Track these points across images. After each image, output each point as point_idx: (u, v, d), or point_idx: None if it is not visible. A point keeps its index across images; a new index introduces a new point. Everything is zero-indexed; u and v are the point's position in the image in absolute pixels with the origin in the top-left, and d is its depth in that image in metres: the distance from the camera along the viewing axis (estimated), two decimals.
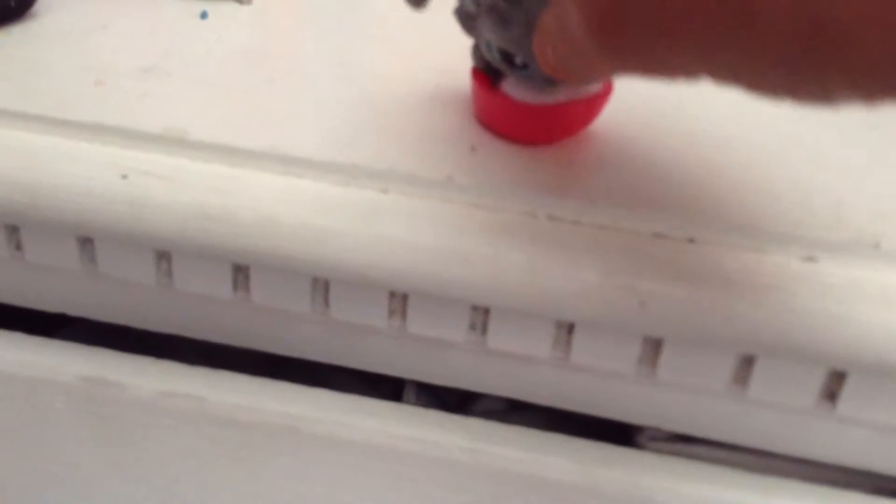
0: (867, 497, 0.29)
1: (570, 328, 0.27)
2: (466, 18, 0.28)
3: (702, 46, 0.16)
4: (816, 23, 0.14)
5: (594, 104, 0.28)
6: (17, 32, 0.33)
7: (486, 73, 0.28)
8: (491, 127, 0.29)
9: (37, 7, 0.35)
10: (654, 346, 0.27)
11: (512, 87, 0.28)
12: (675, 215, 0.25)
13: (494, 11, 0.25)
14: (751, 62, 0.16)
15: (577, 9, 0.19)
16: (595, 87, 0.28)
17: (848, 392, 0.26)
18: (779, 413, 0.27)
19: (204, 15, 0.37)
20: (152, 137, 0.27)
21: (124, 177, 0.26)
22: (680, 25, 0.16)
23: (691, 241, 0.25)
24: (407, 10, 0.40)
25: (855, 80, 0.14)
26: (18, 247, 0.29)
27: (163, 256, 0.29)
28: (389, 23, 0.39)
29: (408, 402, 0.38)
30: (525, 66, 0.26)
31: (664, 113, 0.31)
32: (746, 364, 0.26)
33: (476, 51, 0.29)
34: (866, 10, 0.13)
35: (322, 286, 0.28)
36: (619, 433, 0.32)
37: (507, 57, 0.26)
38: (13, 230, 0.29)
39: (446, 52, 0.35)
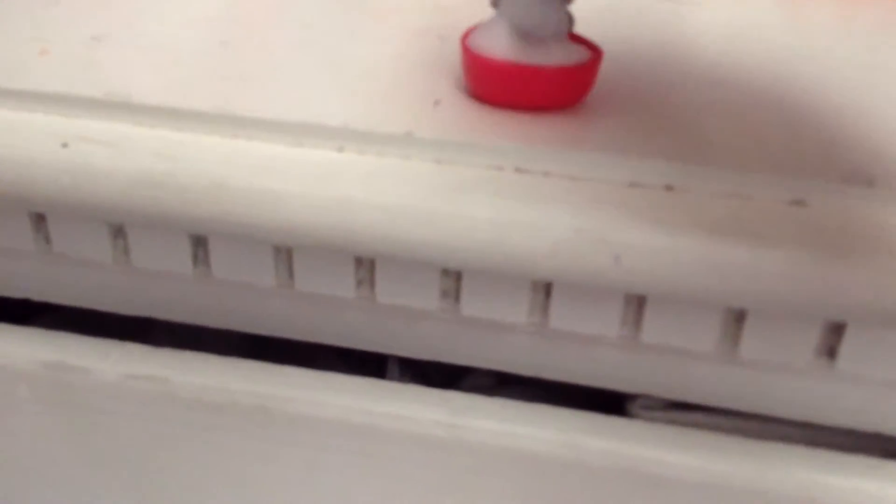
0: (875, 460, 0.27)
1: (548, 291, 0.25)
2: None
3: None
4: None
5: (570, 75, 0.26)
6: None
7: None
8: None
9: None
10: (636, 307, 0.25)
11: (479, 41, 0.26)
12: (651, 162, 0.24)
13: None
14: None
15: None
16: (573, 56, 0.26)
17: (847, 346, 0.24)
18: (774, 373, 0.25)
19: None
20: (93, 103, 0.25)
21: (65, 145, 0.24)
22: None
23: (669, 188, 0.23)
24: None
25: None
26: None
27: (118, 232, 0.27)
28: None
29: (391, 380, 0.36)
30: None
31: (639, 53, 0.29)
32: (736, 321, 0.24)
33: None
34: None
35: (285, 257, 0.27)
36: (613, 404, 0.31)
37: None
38: None
39: (415, 14, 0.33)
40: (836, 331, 0.24)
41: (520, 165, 0.24)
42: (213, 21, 0.32)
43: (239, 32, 0.31)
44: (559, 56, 0.25)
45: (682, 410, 0.29)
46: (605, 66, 0.27)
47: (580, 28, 0.27)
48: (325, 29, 0.32)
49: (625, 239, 0.22)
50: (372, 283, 0.26)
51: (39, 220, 0.28)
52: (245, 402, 0.29)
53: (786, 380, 0.26)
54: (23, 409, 0.30)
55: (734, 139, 0.25)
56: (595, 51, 0.27)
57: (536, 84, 0.26)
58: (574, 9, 0.27)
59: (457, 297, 0.26)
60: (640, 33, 0.32)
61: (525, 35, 0.25)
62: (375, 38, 0.31)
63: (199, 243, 0.27)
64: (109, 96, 0.26)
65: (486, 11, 0.27)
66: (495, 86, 0.26)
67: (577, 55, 0.26)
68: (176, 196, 0.24)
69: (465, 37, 0.27)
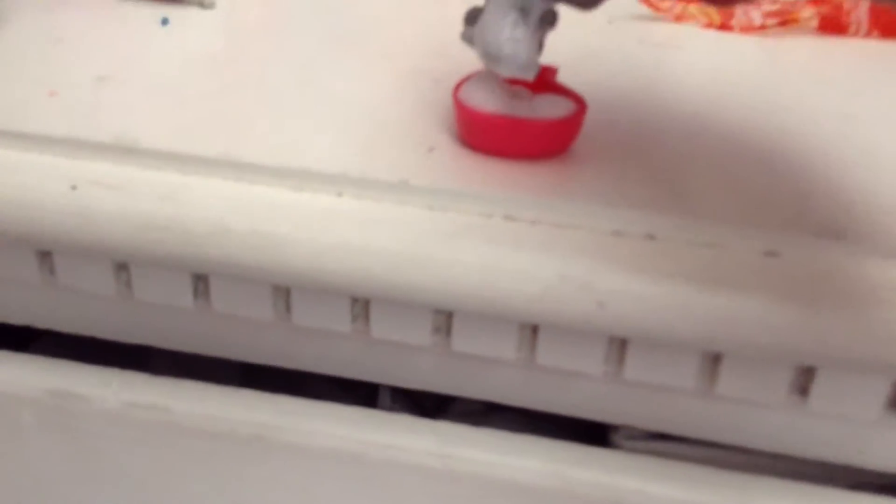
0: (845, 493, 0.29)
1: (535, 329, 0.27)
2: None
3: None
4: None
5: (553, 129, 0.28)
6: None
7: None
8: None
9: None
10: (619, 346, 0.26)
11: (470, 93, 0.27)
12: (633, 212, 0.25)
13: None
14: None
15: None
16: (558, 110, 0.27)
17: (819, 386, 0.25)
18: (750, 409, 0.27)
19: (165, 21, 0.36)
20: (102, 147, 0.26)
21: (74, 187, 0.26)
22: None
23: (650, 237, 0.24)
24: (372, 15, 0.40)
25: None
26: None
27: (122, 267, 0.28)
28: (354, 27, 0.38)
29: (383, 407, 0.37)
30: None
31: (623, 102, 0.31)
32: (713, 361, 0.26)
33: None
34: None
35: (283, 293, 0.28)
36: (596, 433, 0.32)
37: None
38: None
39: (410, 56, 0.34)
40: (808, 371, 0.25)
41: (509, 213, 0.25)
42: (214, 61, 0.33)
43: (240, 74, 0.32)
44: (545, 109, 0.27)
45: (662, 441, 0.30)
46: (590, 115, 0.28)
47: (565, 75, 0.29)
48: (323, 70, 0.33)
49: (608, 285, 0.24)
50: (367, 319, 0.28)
51: (45, 253, 0.29)
52: (243, 431, 0.30)
53: (761, 415, 0.27)
54: (27, 434, 0.31)
55: (712, 190, 0.26)
56: (580, 103, 0.28)
57: (524, 136, 0.27)
58: (561, 57, 0.28)
59: (448, 333, 0.27)
60: (624, 81, 0.33)
61: (505, 86, 0.27)
62: (372, 81, 0.32)
63: (200, 278, 0.28)
64: (118, 140, 0.27)
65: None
66: (485, 137, 0.27)
67: (562, 108, 0.27)
68: (180, 238, 0.25)
69: (457, 89, 0.28)
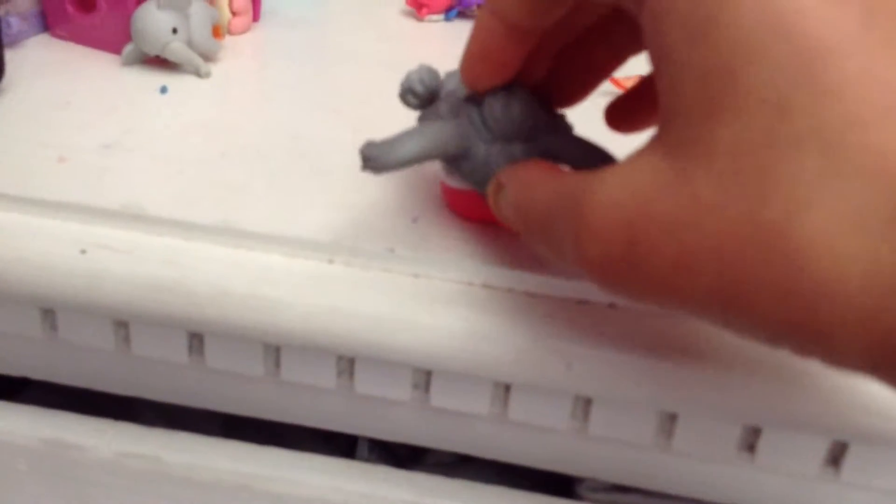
0: None
1: (507, 387, 0.29)
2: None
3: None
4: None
5: None
6: None
7: None
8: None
9: (4, 83, 0.37)
10: (584, 404, 0.28)
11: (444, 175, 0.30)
12: None
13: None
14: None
15: (576, 245, 0.20)
16: None
17: (764, 443, 0.28)
18: (703, 463, 0.29)
19: (164, 90, 0.39)
20: (110, 213, 0.28)
21: (83, 251, 0.27)
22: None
23: (612, 306, 0.27)
24: (358, 85, 0.42)
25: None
26: None
27: (121, 324, 0.30)
28: (342, 96, 0.41)
29: (360, 457, 0.39)
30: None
31: None
32: (669, 419, 0.28)
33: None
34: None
35: (273, 350, 0.30)
36: (561, 483, 0.34)
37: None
38: None
39: (394, 125, 0.37)
40: (754, 430, 0.28)
41: (487, 282, 0.27)
42: (210, 129, 0.36)
43: (236, 143, 0.34)
44: None
45: (624, 493, 0.33)
46: None
47: None
48: (311, 139, 0.36)
49: (575, 349, 0.26)
50: (351, 375, 0.30)
51: (48, 310, 0.30)
52: (230, 481, 0.31)
53: (713, 469, 0.29)
54: (22, 482, 0.33)
55: None
56: None
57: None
58: None
59: (427, 389, 0.29)
60: None
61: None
62: (356, 151, 0.35)
63: (195, 335, 0.30)
64: (124, 207, 0.29)
65: None
66: (465, 207, 0.30)
67: None
68: (182, 300, 0.27)
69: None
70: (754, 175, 0.17)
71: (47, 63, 0.41)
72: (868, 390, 0.25)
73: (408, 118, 0.34)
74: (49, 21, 0.45)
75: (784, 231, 0.17)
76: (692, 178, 0.18)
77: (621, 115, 0.28)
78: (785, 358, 0.25)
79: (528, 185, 0.24)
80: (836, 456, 0.28)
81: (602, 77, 0.28)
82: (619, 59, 0.27)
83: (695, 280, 0.18)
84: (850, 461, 0.28)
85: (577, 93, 0.28)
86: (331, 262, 0.28)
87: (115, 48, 0.42)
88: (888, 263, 0.16)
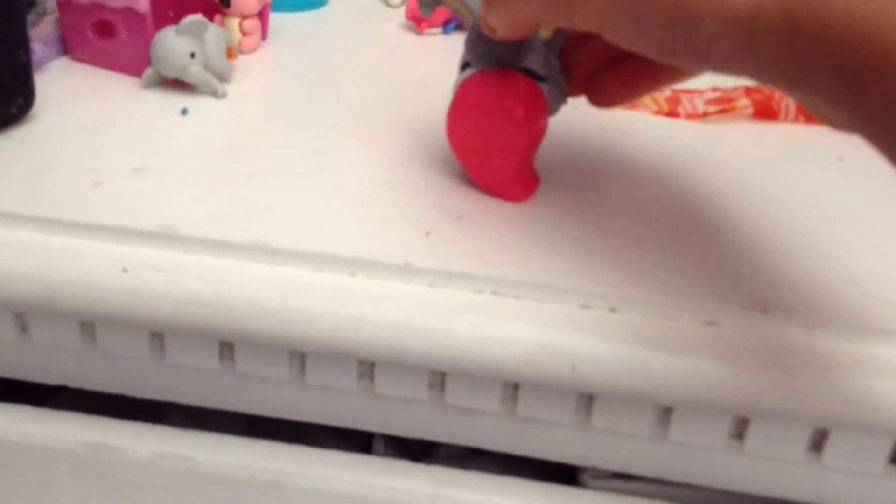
0: None
1: (516, 386, 0.31)
2: None
3: None
4: None
5: None
6: (18, 136, 0.37)
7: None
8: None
9: (34, 108, 0.39)
10: (587, 400, 0.31)
11: None
12: (599, 289, 0.30)
13: None
14: None
15: None
16: None
17: (753, 432, 0.31)
18: (697, 451, 0.32)
19: (184, 111, 0.41)
20: (149, 234, 0.31)
21: (125, 270, 0.30)
22: None
23: (613, 310, 0.29)
24: (365, 102, 0.45)
25: None
26: (24, 328, 0.33)
27: (156, 334, 0.32)
28: (351, 112, 0.43)
29: (377, 452, 0.42)
30: None
31: (590, 199, 0.36)
32: (666, 412, 0.31)
33: None
34: None
35: (299, 356, 0.32)
36: (565, 472, 0.37)
37: None
38: (19, 315, 0.33)
39: (400, 144, 0.40)
40: (743, 421, 0.30)
41: (496, 290, 0.30)
42: (233, 149, 0.38)
43: (259, 163, 0.37)
44: None
45: (624, 480, 0.35)
46: (559, 203, 0.33)
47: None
48: (328, 157, 0.38)
49: (579, 351, 0.29)
50: (371, 378, 0.32)
51: (87, 323, 0.33)
52: (262, 478, 0.34)
53: (706, 456, 0.32)
54: (63, 484, 0.35)
55: (662, 269, 0.31)
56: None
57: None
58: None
59: (442, 389, 0.32)
60: (583, 164, 0.39)
61: None
62: (370, 166, 0.37)
63: (226, 343, 0.32)
64: (162, 228, 0.31)
65: None
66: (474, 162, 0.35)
67: None
68: (218, 313, 0.30)
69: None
70: None
71: (71, 87, 0.44)
72: (848, 383, 0.28)
73: (404, 136, 0.36)
74: (68, 45, 0.47)
75: None
76: None
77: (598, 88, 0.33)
78: (774, 355, 0.28)
79: None
80: (819, 442, 0.31)
81: (636, 93, 0.33)
82: (657, 84, 0.32)
83: None
84: (830, 447, 0.30)
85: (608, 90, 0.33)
86: (353, 275, 0.30)
87: (133, 71, 0.45)
88: None
